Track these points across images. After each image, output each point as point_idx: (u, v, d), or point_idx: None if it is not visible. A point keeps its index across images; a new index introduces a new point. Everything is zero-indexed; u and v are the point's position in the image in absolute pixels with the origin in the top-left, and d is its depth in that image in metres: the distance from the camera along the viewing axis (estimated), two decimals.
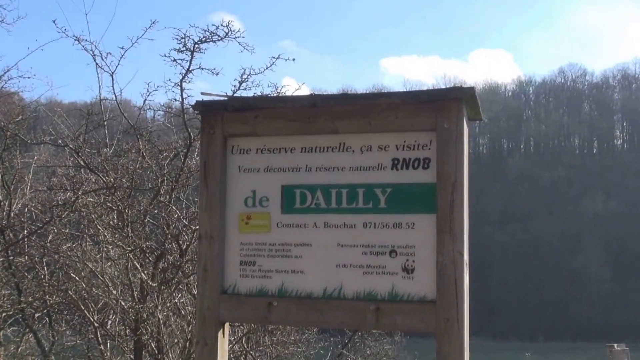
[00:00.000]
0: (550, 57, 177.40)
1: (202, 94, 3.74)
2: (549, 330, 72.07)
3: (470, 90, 3.27)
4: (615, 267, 79.72)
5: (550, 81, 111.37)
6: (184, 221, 8.94)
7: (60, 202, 9.45)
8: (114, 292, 8.93)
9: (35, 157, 11.41)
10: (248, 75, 9.02)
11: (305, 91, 10.76)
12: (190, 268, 8.87)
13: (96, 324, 9.11)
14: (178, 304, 9.14)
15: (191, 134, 8.90)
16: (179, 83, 8.86)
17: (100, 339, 9.14)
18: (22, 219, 9.99)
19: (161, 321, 8.47)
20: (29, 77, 10.46)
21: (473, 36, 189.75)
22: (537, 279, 80.00)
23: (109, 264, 9.35)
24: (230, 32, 8.82)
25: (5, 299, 9.92)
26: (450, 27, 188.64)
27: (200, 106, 3.66)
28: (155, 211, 9.24)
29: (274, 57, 9.01)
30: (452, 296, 3.21)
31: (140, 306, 8.43)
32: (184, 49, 8.76)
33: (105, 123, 10.05)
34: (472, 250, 3.42)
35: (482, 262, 70.55)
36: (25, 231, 9.82)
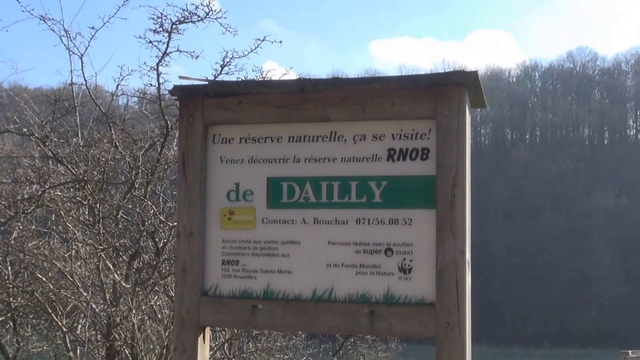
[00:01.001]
0: (557, 39, 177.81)
1: (181, 77, 3.72)
2: (556, 335, 72.42)
3: (473, 74, 3.27)
4: (627, 267, 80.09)
5: (558, 66, 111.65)
6: (161, 217, 8.92)
7: (25, 196, 9.41)
8: (85, 294, 8.90)
9: None
10: (230, 58, 9.03)
11: (292, 77, 10.73)
12: (168, 268, 8.86)
13: (65, 329, 9.08)
14: (154, 307, 9.12)
15: (168, 122, 8.88)
16: (155, 67, 8.84)
17: (69, 345, 9.11)
18: None
19: (136, 326, 8.45)
20: None
21: (471, 16, 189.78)
22: (542, 280, 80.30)
23: (79, 263, 9.32)
24: (211, 12, 8.82)
25: None
26: (446, 6, 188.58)
27: (179, 91, 3.64)
28: (130, 206, 9.22)
29: (258, 39, 9.01)
30: (453, 298, 3.21)
31: (112, 309, 8.40)
32: (161, 29, 8.75)
33: (75, 110, 10.01)
34: (472, 249, 3.42)
35: (483, 262, 70.74)
36: None
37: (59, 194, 9.19)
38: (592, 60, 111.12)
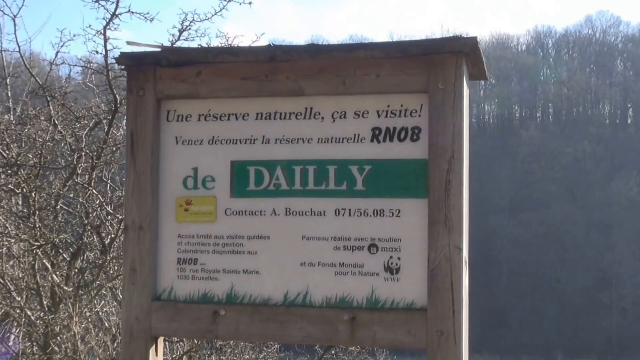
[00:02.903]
0: (574, 2, 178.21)
1: (129, 43, 3.70)
2: (571, 345, 72.99)
3: (472, 40, 3.27)
4: None
5: (575, 33, 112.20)
6: (108, 208, 8.90)
7: None
8: (18, 298, 8.87)
9: None
10: (190, 22, 8.98)
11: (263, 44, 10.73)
12: (116, 268, 8.85)
13: None
14: (100, 313, 9.11)
15: (117, 96, 8.83)
16: (102, 30, 8.77)
17: None
18: None
19: (78, 336, 8.43)
20: None
21: None
22: (555, 281, 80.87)
23: (11, 262, 9.27)
24: None
25: None
26: None
27: (126, 59, 3.62)
28: (71, 195, 9.17)
29: (224, 0, 8.99)
30: (448, 303, 3.22)
31: (51, 317, 8.38)
32: None
33: (6, 81, 9.94)
34: (474, 245, 3.44)
35: (486, 260, 71.16)
36: None
37: None
38: (614, 26, 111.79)
